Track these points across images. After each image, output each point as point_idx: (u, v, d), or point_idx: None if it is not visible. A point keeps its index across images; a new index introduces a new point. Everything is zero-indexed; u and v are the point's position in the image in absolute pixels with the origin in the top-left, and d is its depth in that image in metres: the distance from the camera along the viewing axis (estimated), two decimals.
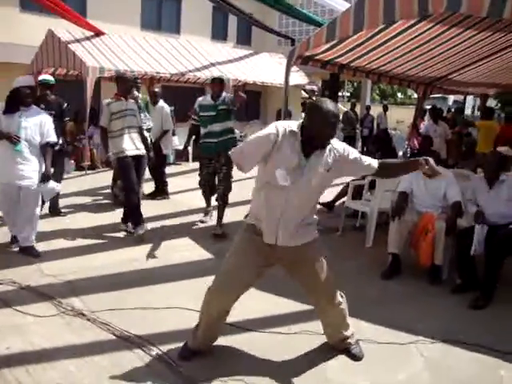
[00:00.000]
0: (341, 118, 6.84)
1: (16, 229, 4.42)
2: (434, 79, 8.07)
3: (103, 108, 5.18)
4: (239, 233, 2.76)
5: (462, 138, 8.39)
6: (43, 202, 5.08)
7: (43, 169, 4.38)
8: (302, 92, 12.94)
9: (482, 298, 3.76)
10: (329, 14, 15.36)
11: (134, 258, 4.48)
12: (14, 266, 4.09)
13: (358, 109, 15.05)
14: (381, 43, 5.60)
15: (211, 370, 2.70)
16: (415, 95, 10.31)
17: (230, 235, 4.87)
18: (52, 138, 4.42)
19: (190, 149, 6.16)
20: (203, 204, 5.84)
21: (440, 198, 4.38)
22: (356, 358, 2.91)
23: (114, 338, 3.01)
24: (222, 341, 2.95)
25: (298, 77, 11.58)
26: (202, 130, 5.30)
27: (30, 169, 4.26)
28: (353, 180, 5.65)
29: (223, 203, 5.26)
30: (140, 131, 5.28)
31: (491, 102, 17.89)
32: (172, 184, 7.29)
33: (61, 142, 5.24)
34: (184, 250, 4.79)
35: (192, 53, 11.01)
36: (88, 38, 9.44)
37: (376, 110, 15.93)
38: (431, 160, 2.63)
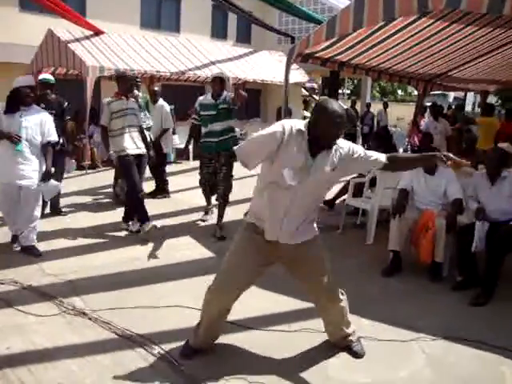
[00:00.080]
0: None
1: (17, 228, 4.42)
2: (434, 76, 8.06)
3: (104, 107, 5.18)
4: (239, 231, 2.76)
5: (462, 135, 8.38)
6: (45, 202, 5.10)
7: (44, 168, 4.38)
8: (303, 90, 12.92)
9: (483, 295, 3.76)
10: (328, 11, 15.36)
11: (134, 257, 4.49)
12: (16, 265, 4.10)
13: (358, 106, 15.04)
14: (381, 40, 5.60)
15: (213, 368, 2.70)
16: (415, 92, 10.31)
17: (231, 234, 4.87)
18: (53, 137, 4.42)
19: (190, 147, 6.18)
20: (204, 202, 5.84)
21: (440, 196, 4.38)
22: (357, 355, 2.91)
23: (115, 337, 3.01)
24: (223, 339, 2.95)
25: (298, 74, 11.57)
26: (203, 130, 5.28)
27: (31, 169, 4.26)
28: (353, 177, 5.65)
29: (224, 202, 5.26)
30: (140, 130, 5.28)
31: (492, 99, 17.88)
32: (172, 183, 7.29)
33: (61, 141, 5.24)
34: (185, 249, 4.79)
35: (192, 51, 10.99)
36: (88, 38, 9.43)
37: (376, 108, 15.92)
38: (450, 154, 2.65)
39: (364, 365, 2.84)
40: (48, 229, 5.11)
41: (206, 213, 5.84)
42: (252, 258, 2.64)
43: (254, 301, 3.32)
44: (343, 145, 2.60)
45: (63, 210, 5.88)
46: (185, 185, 7.58)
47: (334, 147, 2.55)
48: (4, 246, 4.55)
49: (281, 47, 14.27)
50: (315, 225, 2.77)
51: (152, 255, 4.56)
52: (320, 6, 16.13)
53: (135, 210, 5.15)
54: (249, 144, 2.56)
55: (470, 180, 4.50)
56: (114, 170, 6.68)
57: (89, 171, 8.95)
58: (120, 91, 5.15)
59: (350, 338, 2.95)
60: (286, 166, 2.45)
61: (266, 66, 12.08)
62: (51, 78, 5.66)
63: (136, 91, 5.96)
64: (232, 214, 5.50)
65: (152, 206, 6.05)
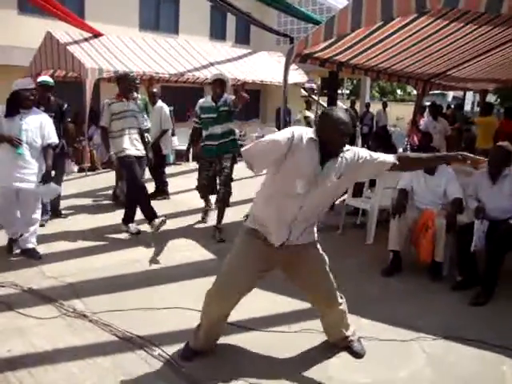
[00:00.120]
0: None
1: (14, 231, 4.42)
2: (433, 75, 8.05)
3: (104, 108, 5.18)
4: (240, 235, 2.75)
5: (461, 134, 8.39)
6: (46, 210, 5.10)
7: (43, 170, 4.37)
8: (302, 90, 12.92)
9: (483, 295, 3.76)
10: (327, 11, 15.36)
11: (135, 258, 4.49)
12: (16, 268, 4.10)
13: (357, 106, 15.03)
14: (379, 40, 5.59)
15: (213, 370, 2.70)
16: (414, 92, 10.31)
17: (231, 236, 4.87)
18: (53, 139, 4.42)
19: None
20: (203, 204, 5.84)
21: (440, 195, 4.38)
22: (357, 355, 2.91)
23: (115, 339, 3.01)
24: (223, 340, 2.95)
25: (296, 75, 11.56)
26: (204, 133, 5.26)
27: (31, 172, 4.25)
28: None
29: (223, 206, 5.22)
30: (140, 132, 5.28)
31: (491, 98, 17.86)
32: (172, 184, 7.29)
33: (61, 143, 5.24)
34: (185, 250, 4.79)
35: (190, 53, 11.00)
36: (86, 40, 9.44)
37: (376, 108, 15.90)
38: (468, 154, 2.67)
39: (364, 365, 2.84)
40: (48, 231, 5.11)
41: (206, 214, 5.84)
42: (252, 263, 2.64)
43: (254, 302, 3.30)
44: (348, 152, 2.57)
45: (63, 212, 5.88)
46: (184, 186, 7.57)
47: (340, 155, 2.53)
48: (4, 249, 4.54)
49: (280, 48, 14.28)
50: (315, 228, 2.77)
51: (152, 257, 4.55)
52: (318, 7, 16.13)
53: (141, 209, 5.09)
54: (256, 146, 2.49)
55: (469, 179, 4.50)
56: (113, 172, 6.68)
57: (88, 173, 8.95)
58: (121, 93, 5.15)
59: (350, 338, 2.95)
60: (297, 174, 2.44)
61: (264, 66, 12.09)
62: (50, 80, 5.65)
63: (135, 93, 5.96)
64: (232, 215, 5.50)
65: None
